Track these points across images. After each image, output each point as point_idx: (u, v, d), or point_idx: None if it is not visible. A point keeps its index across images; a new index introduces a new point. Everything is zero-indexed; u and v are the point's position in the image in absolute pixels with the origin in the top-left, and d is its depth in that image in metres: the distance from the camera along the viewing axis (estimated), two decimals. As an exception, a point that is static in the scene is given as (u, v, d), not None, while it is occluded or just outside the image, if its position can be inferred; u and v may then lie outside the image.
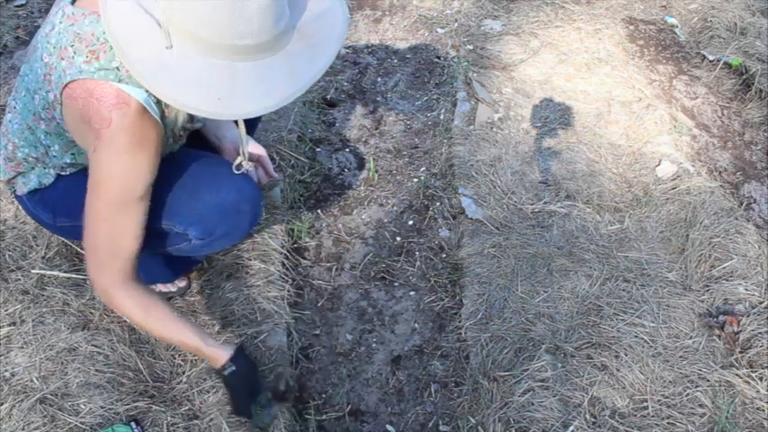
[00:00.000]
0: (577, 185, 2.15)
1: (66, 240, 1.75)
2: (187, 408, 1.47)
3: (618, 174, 2.22)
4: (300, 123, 2.41)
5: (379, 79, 2.74)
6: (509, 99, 2.51)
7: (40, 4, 2.85)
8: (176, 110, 1.24)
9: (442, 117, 2.53)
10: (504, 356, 1.67)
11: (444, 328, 1.86)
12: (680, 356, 1.65)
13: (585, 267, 1.88)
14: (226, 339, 1.60)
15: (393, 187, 2.27)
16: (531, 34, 2.84)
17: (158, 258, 1.58)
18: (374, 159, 2.36)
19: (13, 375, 1.48)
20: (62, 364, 1.51)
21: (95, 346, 1.55)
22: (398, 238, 2.11)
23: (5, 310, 1.60)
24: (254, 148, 1.56)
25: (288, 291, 1.83)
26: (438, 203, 2.19)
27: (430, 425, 1.66)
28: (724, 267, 1.87)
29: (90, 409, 1.44)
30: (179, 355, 1.56)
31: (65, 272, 1.70)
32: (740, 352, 1.67)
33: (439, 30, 2.99)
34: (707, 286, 1.83)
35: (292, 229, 2.05)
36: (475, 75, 2.61)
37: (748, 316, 1.74)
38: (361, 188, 2.27)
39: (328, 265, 2.02)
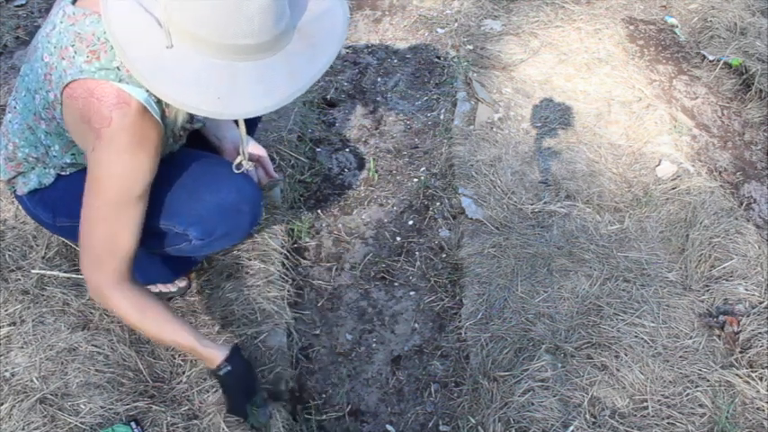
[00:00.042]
0: (577, 185, 2.15)
1: (66, 240, 1.75)
2: (187, 408, 1.47)
3: (618, 174, 2.22)
4: (300, 123, 2.41)
5: (379, 79, 2.74)
6: (509, 99, 2.51)
7: (40, 4, 2.85)
8: (176, 110, 1.24)
9: (442, 117, 2.53)
10: (504, 356, 1.67)
11: (444, 328, 1.86)
12: (680, 356, 1.65)
13: (585, 267, 1.88)
14: (226, 339, 1.60)
15: (393, 187, 2.27)
16: (531, 34, 2.84)
17: (158, 258, 1.58)
18: (374, 159, 2.36)
19: (13, 375, 1.48)
20: (62, 364, 1.51)
21: (95, 346, 1.55)
22: (398, 238, 2.11)
23: (5, 310, 1.60)
24: (255, 148, 1.56)
25: (288, 291, 1.83)
26: (438, 203, 2.19)
27: (430, 425, 1.66)
28: (724, 267, 1.87)
29: (90, 409, 1.43)
30: (179, 355, 1.56)
31: (65, 272, 1.70)
32: (740, 352, 1.67)
33: (439, 30, 2.99)
34: (707, 286, 1.83)
35: (292, 229, 2.05)
36: (475, 75, 2.61)
37: (748, 316, 1.74)
38: (361, 188, 2.27)
39: (328, 265, 2.02)
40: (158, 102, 1.16)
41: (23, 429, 1.38)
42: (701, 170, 2.26)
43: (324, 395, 1.71)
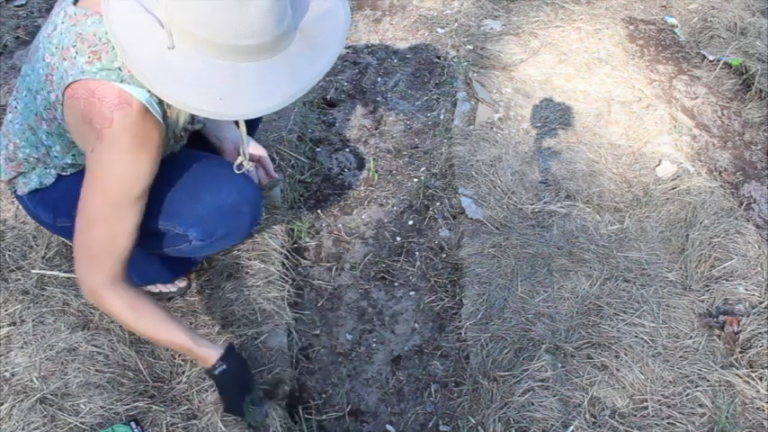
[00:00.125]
0: (577, 185, 2.15)
1: (66, 240, 1.75)
2: (186, 407, 1.47)
3: (618, 174, 2.22)
4: (300, 123, 2.41)
5: (379, 79, 2.74)
6: (509, 99, 2.51)
7: (40, 4, 2.85)
8: (178, 110, 1.24)
9: (442, 117, 2.53)
10: (504, 356, 1.67)
11: (444, 328, 1.86)
12: (680, 356, 1.65)
13: (585, 267, 1.88)
14: (226, 340, 1.60)
15: (393, 187, 2.27)
16: (531, 34, 2.84)
17: (158, 259, 1.58)
18: (374, 159, 2.36)
19: (13, 375, 1.48)
20: (62, 364, 1.51)
21: (95, 346, 1.55)
22: (398, 238, 2.11)
23: (5, 310, 1.60)
24: (255, 148, 1.56)
25: (288, 291, 1.83)
26: (438, 203, 2.19)
27: (430, 425, 1.66)
28: (724, 267, 1.87)
29: (90, 409, 1.43)
30: (179, 356, 1.56)
31: (65, 272, 1.70)
32: (740, 352, 1.67)
33: (439, 30, 2.99)
34: (707, 286, 1.84)
35: (292, 229, 2.05)
36: (475, 75, 2.61)
37: (748, 316, 1.74)
38: (361, 188, 2.27)
39: (328, 265, 2.02)
40: (160, 102, 1.16)
41: (23, 429, 1.38)
42: (700, 170, 2.26)
43: (324, 395, 1.71)
